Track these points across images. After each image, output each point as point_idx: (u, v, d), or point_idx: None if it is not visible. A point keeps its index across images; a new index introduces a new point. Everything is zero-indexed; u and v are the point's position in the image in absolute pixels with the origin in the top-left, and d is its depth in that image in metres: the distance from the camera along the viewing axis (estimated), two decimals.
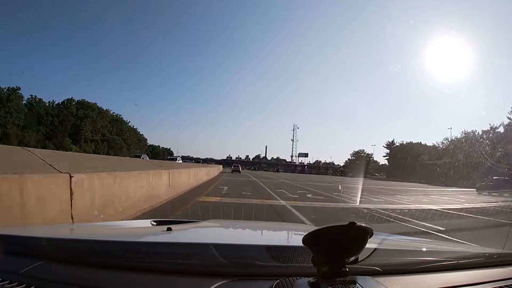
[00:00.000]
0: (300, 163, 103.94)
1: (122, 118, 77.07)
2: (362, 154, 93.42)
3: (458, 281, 0.89)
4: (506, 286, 0.89)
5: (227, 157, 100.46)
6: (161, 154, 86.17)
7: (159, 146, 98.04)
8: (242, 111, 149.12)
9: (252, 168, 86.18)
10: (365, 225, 0.69)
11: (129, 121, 79.65)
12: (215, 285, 0.74)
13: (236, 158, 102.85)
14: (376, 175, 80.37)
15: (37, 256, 0.83)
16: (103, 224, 2.32)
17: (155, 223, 1.48)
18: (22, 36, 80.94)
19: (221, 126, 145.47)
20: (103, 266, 0.82)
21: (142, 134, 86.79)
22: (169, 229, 1.21)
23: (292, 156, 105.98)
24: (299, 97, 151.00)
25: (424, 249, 1.28)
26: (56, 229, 1.58)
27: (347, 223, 0.67)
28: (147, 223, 1.51)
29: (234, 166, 38.15)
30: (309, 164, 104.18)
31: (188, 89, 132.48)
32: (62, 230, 1.49)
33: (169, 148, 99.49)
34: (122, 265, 0.83)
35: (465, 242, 3.85)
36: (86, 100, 67.75)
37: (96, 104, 69.31)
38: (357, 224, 0.67)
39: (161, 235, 1.21)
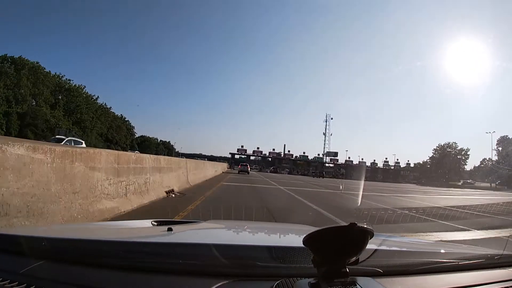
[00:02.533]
0: (333, 162, 73.58)
1: (81, 89, 49.41)
2: (451, 150, 62.51)
3: (459, 282, 0.90)
4: (507, 287, 0.90)
5: (238, 149, 73.41)
6: (154, 148, 69.04)
7: (156, 138, 78.29)
8: (262, 105, 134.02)
9: (272, 169, 61.91)
10: (366, 226, 0.69)
11: (97, 96, 53.08)
12: (216, 286, 0.75)
13: (254, 152, 73.52)
14: (469, 182, 53.65)
15: (38, 256, 0.83)
16: (104, 224, 2.38)
17: (155, 223, 1.46)
18: (22, 33, 73.33)
19: (236, 124, 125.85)
20: (103, 266, 0.82)
21: (127, 121, 64.46)
22: (169, 230, 1.21)
23: (323, 154, 75.55)
24: (332, 85, 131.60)
25: (425, 250, 1.30)
26: (57, 229, 1.58)
27: (347, 224, 0.66)
28: (147, 223, 1.49)
29: (241, 165, 33.35)
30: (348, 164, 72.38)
31: (201, 85, 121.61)
32: (62, 230, 1.48)
33: (168, 142, 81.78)
34: (123, 265, 0.83)
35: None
36: (24, 58, 41.08)
37: (37, 63, 42.46)
38: (358, 225, 0.67)
39: (162, 235, 1.20)
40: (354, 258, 0.74)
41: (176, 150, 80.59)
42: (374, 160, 75.96)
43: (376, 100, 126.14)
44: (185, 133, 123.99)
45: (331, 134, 75.42)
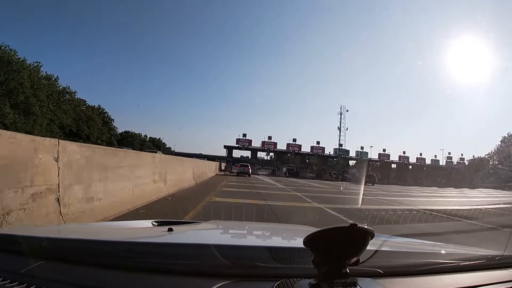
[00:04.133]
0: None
1: (36, 67, 36.24)
2: None
3: (460, 283, 0.90)
4: None
5: (238, 140, 46.72)
6: (139, 145, 60.24)
7: (145, 136, 68.64)
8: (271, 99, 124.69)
9: (286, 170, 47.20)
10: (367, 227, 0.69)
11: (56, 76, 39.86)
12: (216, 286, 0.75)
13: (264, 145, 47.38)
14: None
15: (38, 256, 0.83)
16: (104, 224, 2.37)
17: (156, 224, 1.46)
18: (21, 32, 65.43)
19: (240, 122, 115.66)
20: (104, 266, 0.82)
21: (105, 112, 54.15)
22: (170, 230, 1.20)
23: (338, 152, 52.67)
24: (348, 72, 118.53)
25: (425, 251, 1.30)
26: (57, 229, 1.57)
27: (348, 225, 0.67)
28: (148, 223, 1.49)
29: (240, 165, 29.35)
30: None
31: (201, 81, 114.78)
32: (63, 230, 1.48)
33: (159, 138, 70.46)
34: (123, 265, 0.83)
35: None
36: None
37: None
38: (358, 225, 0.67)
39: (162, 236, 1.20)
40: (355, 258, 0.74)
41: (172, 149, 67.50)
42: (436, 156, 56.61)
43: (418, 91, 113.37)
44: (184, 131, 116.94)
45: (347, 129, 53.92)
